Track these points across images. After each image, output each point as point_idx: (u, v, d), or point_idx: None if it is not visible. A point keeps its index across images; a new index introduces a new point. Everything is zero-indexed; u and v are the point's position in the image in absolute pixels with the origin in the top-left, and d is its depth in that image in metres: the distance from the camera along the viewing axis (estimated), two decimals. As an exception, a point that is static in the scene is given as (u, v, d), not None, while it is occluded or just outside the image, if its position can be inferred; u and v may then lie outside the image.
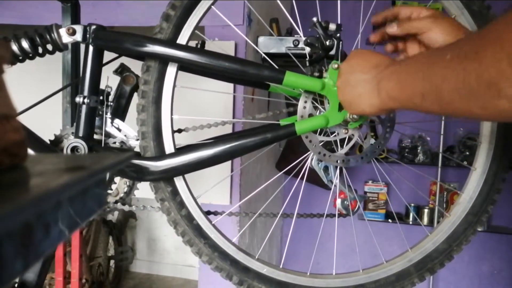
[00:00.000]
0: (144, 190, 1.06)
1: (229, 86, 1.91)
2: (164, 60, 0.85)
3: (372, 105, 0.68)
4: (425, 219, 2.93)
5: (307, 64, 0.83)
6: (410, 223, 2.94)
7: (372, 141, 0.88)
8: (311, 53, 0.82)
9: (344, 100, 0.74)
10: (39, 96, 1.07)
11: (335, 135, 0.86)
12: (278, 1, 0.94)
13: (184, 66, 0.87)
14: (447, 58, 0.51)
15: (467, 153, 2.79)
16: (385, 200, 3.04)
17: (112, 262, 3.33)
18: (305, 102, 0.84)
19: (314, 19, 0.81)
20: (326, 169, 0.90)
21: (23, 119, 0.49)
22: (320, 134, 0.86)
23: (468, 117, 0.52)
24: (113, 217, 3.53)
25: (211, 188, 1.02)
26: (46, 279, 2.18)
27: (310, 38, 0.82)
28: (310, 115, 0.84)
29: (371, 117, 0.86)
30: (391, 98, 0.64)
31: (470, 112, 0.50)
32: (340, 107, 0.81)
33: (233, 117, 2.09)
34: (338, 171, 0.91)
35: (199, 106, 1.97)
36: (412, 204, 2.98)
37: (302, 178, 0.91)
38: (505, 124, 0.87)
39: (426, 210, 2.93)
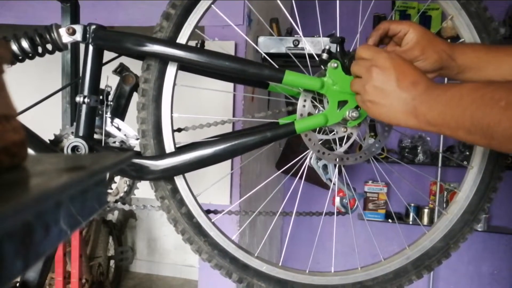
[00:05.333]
0: (144, 189, 1.06)
1: (230, 85, 1.91)
2: (164, 60, 0.85)
3: (407, 124, 0.68)
4: (425, 219, 2.93)
5: (318, 62, 0.83)
6: (410, 223, 2.94)
7: (372, 140, 0.88)
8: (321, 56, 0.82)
9: (372, 101, 0.70)
10: (39, 96, 1.07)
11: (334, 134, 0.86)
12: (278, 1, 0.94)
13: (184, 65, 0.88)
14: (502, 104, 0.54)
15: (467, 152, 2.79)
16: (385, 200, 3.05)
17: (112, 262, 3.33)
18: (305, 101, 0.85)
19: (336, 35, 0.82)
20: (325, 167, 0.90)
21: (23, 119, 0.49)
22: (319, 132, 0.87)
23: None
24: (113, 217, 3.53)
25: (212, 188, 1.02)
26: (46, 279, 2.18)
27: (331, 50, 0.83)
28: (309, 114, 0.85)
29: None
30: (430, 124, 0.65)
31: None
32: (339, 106, 0.82)
33: (233, 116, 2.09)
34: (337, 169, 0.91)
35: (199, 105, 1.97)
36: (412, 204, 2.98)
37: (301, 177, 0.91)
38: None
39: (426, 210, 2.94)
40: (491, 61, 0.77)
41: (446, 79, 0.87)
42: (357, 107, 0.81)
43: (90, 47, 0.89)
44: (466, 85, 0.61)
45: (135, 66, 0.99)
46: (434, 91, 0.64)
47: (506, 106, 0.54)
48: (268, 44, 2.16)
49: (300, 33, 0.98)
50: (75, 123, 0.91)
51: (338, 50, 0.81)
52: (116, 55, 1.04)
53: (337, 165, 0.90)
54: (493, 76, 0.77)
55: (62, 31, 0.88)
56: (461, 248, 0.92)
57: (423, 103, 0.65)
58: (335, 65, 0.80)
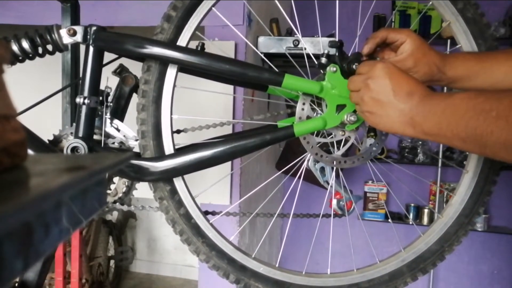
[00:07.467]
0: (143, 190, 1.06)
1: (230, 86, 1.91)
2: (165, 62, 0.86)
3: (404, 133, 0.70)
4: (425, 219, 2.93)
5: (317, 66, 0.84)
6: (410, 223, 2.94)
7: (370, 142, 0.88)
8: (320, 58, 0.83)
9: (370, 111, 0.72)
10: (39, 96, 1.07)
11: (332, 137, 0.86)
12: (277, 2, 0.94)
13: (184, 67, 0.88)
14: (493, 114, 0.56)
15: (467, 152, 2.79)
16: (385, 200, 3.05)
17: (112, 262, 3.33)
18: (303, 104, 0.85)
19: (336, 40, 0.82)
20: (322, 170, 0.91)
21: (23, 119, 0.49)
22: (317, 135, 0.87)
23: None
24: (113, 217, 3.53)
25: (212, 188, 1.02)
26: (46, 279, 2.18)
27: (331, 54, 0.83)
28: (308, 117, 0.85)
29: None
30: (426, 134, 0.66)
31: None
32: (338, 110, 0.83)
33: (233, 118, 2.10)
34: (334, 172, 0.92)
35: (199, 107, 1.97)
36: (412, 204, 2.98)
37: (300, 178, 0.92)
38: None
39: (426, 210, 2.94)
40: (480, 71, 0.79)
41: (445, 88, 0.88)
42: (355, 111, 0.81)
43: (91, 48, 0.89)
44: (459, 95, 0.62)
45: (134, 67, 0.99)
46: (429, 101, 0.66)
47: (497, 116, 0.55)
48: (268, 44, 2.16)
49: (299, 34, 0.98)
50: (74, 124, 0.91)
51: (337, 54, 0.81)
52: (116, 56, 1.04)
53: (335, 168, 0.91)
54: (483, 84, 0.79)
55: (63, 32, 0.88)
56: (461, 248, 0.93)
57: (419, 114, 0.66)
58: (334, 69, 0.81)
